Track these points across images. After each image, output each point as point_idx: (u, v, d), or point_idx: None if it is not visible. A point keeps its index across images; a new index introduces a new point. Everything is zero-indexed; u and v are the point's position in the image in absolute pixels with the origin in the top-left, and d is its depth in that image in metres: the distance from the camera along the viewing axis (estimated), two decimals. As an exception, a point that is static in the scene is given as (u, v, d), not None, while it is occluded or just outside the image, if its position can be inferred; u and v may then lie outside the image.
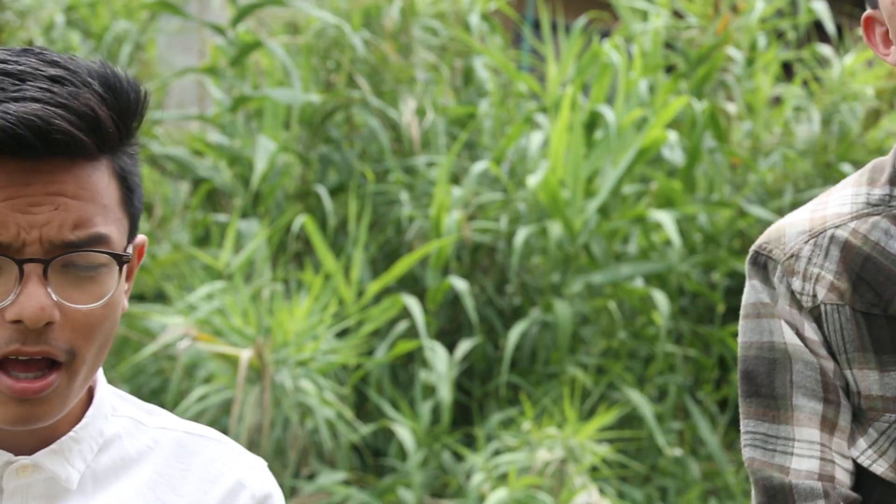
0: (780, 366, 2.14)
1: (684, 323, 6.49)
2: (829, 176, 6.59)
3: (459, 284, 5.99)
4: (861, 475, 2.16)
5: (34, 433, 1.83)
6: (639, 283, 6.40)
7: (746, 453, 2.14)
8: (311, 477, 5.44)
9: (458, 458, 5.59)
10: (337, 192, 6.58)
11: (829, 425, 2.13)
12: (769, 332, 2.16)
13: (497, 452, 5.43)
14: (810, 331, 2.11)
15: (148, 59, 6.95)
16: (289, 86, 6.66)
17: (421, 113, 6.79)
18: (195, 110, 7.30)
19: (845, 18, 7.72)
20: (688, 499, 6.04)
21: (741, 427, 2.14)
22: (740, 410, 2.16)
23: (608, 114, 6.68)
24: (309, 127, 6.73)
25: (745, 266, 2.16)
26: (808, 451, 2.12)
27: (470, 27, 7.13)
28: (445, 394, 5.61)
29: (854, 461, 2.14)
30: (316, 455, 5.49)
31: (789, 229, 2.17)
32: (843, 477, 2.12)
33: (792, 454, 2.12)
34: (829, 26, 7.59)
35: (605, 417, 5.42)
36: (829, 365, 2.13)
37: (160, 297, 6.05)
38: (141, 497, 1.89)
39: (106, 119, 1.72)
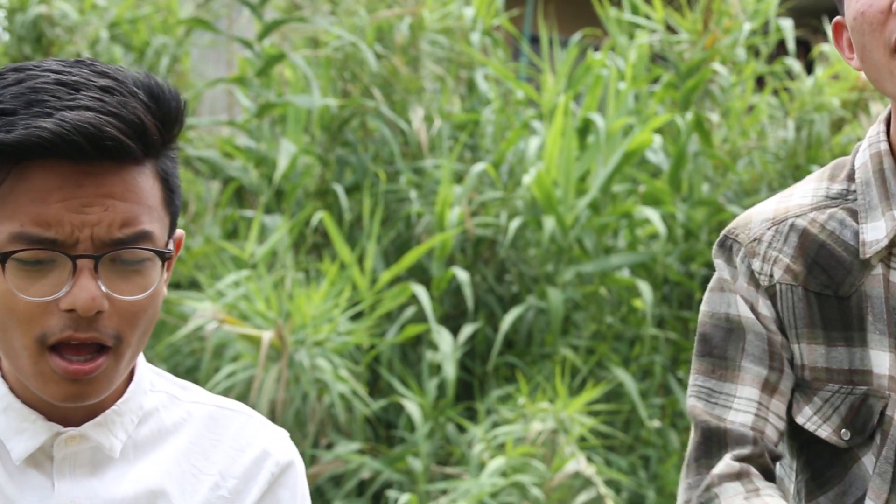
0: (734, 335, 2.13)
1: (666, 308, 6.48)
2: (799, 177, 6.53)
3: (461, 274, 5.96)
4: (808, 442, 2.18)
5: (81, 407, 1.86)
6: (625, 273, 6.38)
7: (690, 402, 2.14)
8: (328, 447, 5.42)
9: (461, 429, 5.56)
10: (352, 190, 6.54)
11: (769, 388, 2.12)
12: (727, 305, 2.16)
13: (496, 424, 5.41)
14: (764, 307, 2.11)
15: (183, 70, 6.93)
16: (309, 94, 6.60)
17: (428, 120, 6.75)
18: (225, 117, 7.28)
19: (811, 34, 7.69)
20: (667, 466, 6.04)
21: (690, 380, 2.14)
22: (692, 367, 2.16)
23: (599, 120, 6.65)
24: (327, 131, 6.70)
25: (714, 248, 2.17)
26: (746, 407, 2.11)
27: (473, 42, 7.10)
28: (450, 372, 5.59)
29: (791, 425, 2.18)
30: (333, 427, 5.48)
31: (756, 217, 2.18)
32: (773, 434, 2.12)
33: (731, 408, 2.11)
34: (791, 45, 7.60)
35: (592, 393, 5.40)
36: (777, 338, 2.12)
37: (193, 285, 6.04)
38: (176, 464, 1.93)
39: (151, 126, 1.76)
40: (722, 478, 2.06)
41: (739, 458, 2.07)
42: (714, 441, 2.11)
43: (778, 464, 2.21)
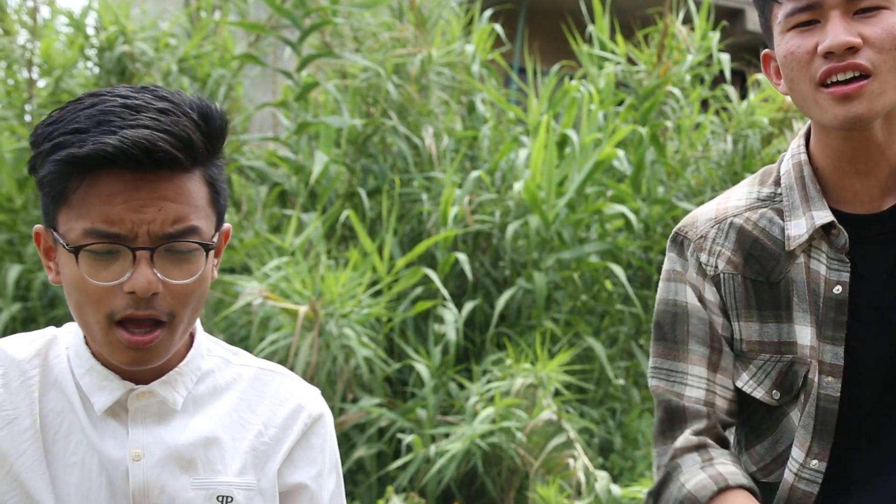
0: (680, 318, 2.17)
1: (630, 288, 6.50)
2: (736, 181, 6.53)
3: (463, 259, 5.99)
4: (745, 401, 2.19)
5: (150, 369, 1.87)
6: (596, 259, 6.40)
7: (652, 382, 2.19)
8: (353, 401, 5.45)
9: (461, 387, 5.58)
10: (373, 193, 6.56)
11: (713, 366, 2.15)
12: (675, 293, 2.19)
13: (488, 382, 5.44)
14: (710, 293, 2.15)
15: (236, 96, 6.95)
16: (339, 115, 6.63)
17: (436, 136, 6.77)
18: (270, 134, 7.29)
19: (745, 66, 7.71)
20: (631, 417, 6.05)
21: (650, 363, 2.18)
22: (650, 349, 2.19)
23: (574, 136, 6.67)
24: (353, 145, 6.71)
25: (667, 243, 2.19)
26: (697, 383, 2.14)
27: (472, 72, 7.11)
28: (452, 339, 5.63)
29: (737, 392, 2.18)
30: (357, 385, 5.50)
31: (701, 216, 2.20)
32: (722, 404, 2.15)
33: (685, 385, 2.14)
34: (728, 74, 7.62)
35: (564, 356, 5.42)
36: (719, 320, 2.15)
37: (245, 270, 6.06)
38: (227, 416, 1.96)
39: (198, 141, 1.78)
40: (683, 450, 2.10)
41: (697, 433, 2.12)
42: (676, 417, 2.15)
43: None
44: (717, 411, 2.12)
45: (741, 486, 2.04)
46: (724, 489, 2.03)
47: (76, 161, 1.71)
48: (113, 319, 1.78)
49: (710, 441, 2.10)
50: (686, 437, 2.10)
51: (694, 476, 2.06)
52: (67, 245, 1.76)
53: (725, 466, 2.07)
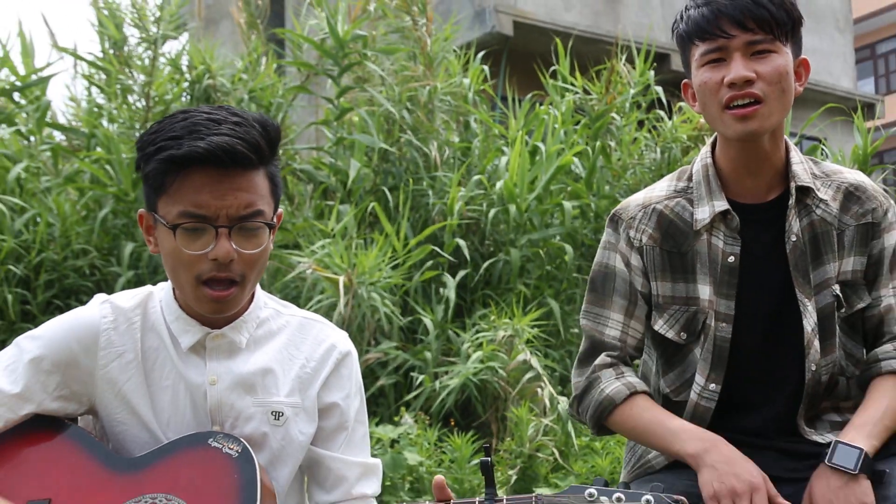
0: (609, 278, 2.19)
1: (583, 261, 6.49)
2: (665, 182, 6.64)
3: (462, 244, 6.00)
4: (661, 340, 2.21)
5: (222, 317, 1.89)
6: (558, 240, 6.40)
7: (583, 321, 2.23)
8: (377, 345, 5.45)
9: (457, 335, 5.59)
10: (392, 189, 6.56)
11: (629, 314, 2.18)
12: (608, 258, 2.22)
13: (477, 332, 5.45)
14: (635, 260, 2.16)
15: (289, 117, 6.98)
16: (368, 133, 6.64)
17: (440, 147, 6.78)
18: (315, 145, 7.30)
19: (670, 96, 7.72)
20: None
21: (583, 307, 2.22)
22: (584, 298, 2.22)
23: (542, 147, 6.67)
24: (378, 154, 6.73)
25: (607, 220, 2.21)
26: (614, 326, 2.16)
27: (468, 99, 7.12)
28: (451, 297, 5.65)
29: (644, 335, 2.21)
30: (380, 333, 5.51)
31: (632, 203, 2.22)
32: (632, 342, 2.19)
33: (607, 326, 2.17)
34: (663, 100, 7.61)
35: (534, 314, 5.44)
36: (639, 280, 2.17)
37: (296, 247, 6.06)
38: (278, 352, 1.97)
39: (264, 146, 1.78)
40: (601, 367, 2.17)
41: (611, 357, 2.17)
42: (597, 347, 2.20)
43: (644, 353, 2.25)
44: (628, 347, 2.17)
45: (645, 392, 2.12)
46: (634, 393, 2.10)
47: (174, 160, 1.75)
48: (200, 280, 1.81)
49: (620, 363, 2.16)
50: (603, 358, 2.16)
51: (611, 384, 2.11)
52: (167, 224, 1.78)
53: (633, 378, 2.14)
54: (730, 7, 2.00)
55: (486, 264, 6.12)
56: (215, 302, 1.82)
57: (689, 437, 1.97)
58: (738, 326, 2.09)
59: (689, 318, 2.11)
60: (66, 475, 1.80)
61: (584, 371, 2.16)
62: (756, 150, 2.08)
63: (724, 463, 1.90)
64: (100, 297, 1.95)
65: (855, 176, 2.19)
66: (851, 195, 2.16)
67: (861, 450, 1.92)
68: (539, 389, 5.04)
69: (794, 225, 2.10)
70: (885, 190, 2.32)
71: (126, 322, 1.91)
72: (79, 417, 1.95)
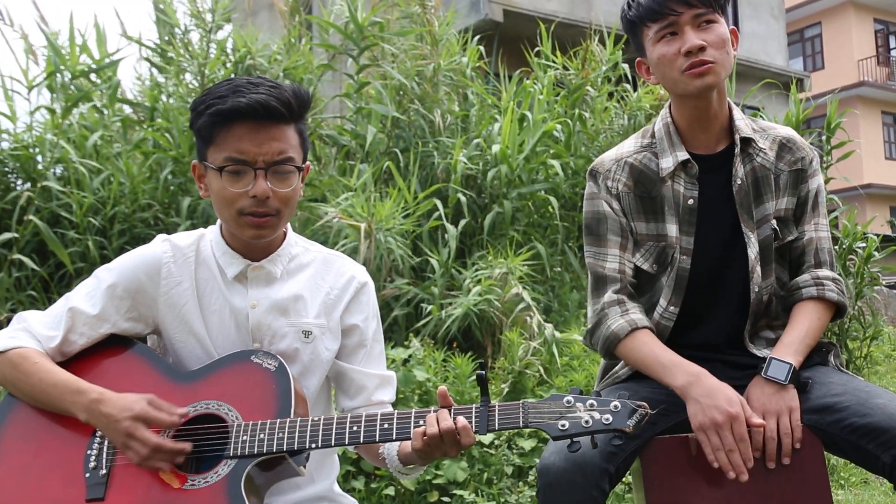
0: (601, 221, 2.16)
1: (563, 211, 6.47)
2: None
3: (463, 201, 5.95)
4: (637, 271, 2.19)
5: (261, 250, 1.88)
6: (543, 193, 6.37)
7: (587, 260, 2.18)
8: (391, 281, 5.44)
9: (459, 272, 5.59)
10: (404, 151, 6.51)
11: (623, 247, 2.15)
12: (596, 205, 2.18)
13: (476, 270, 5.44)
14: (615, 205, 2.14)
15: (316, 90, 6.89)
16: (383, 104, 6.58)
17: (443, 115, 6.72)
18: (339, 114, 7.24)
19: (636, 71, 7.62)
20: (563, 290, 6.06)
21: (585, 250, 2.16)
22: (584, 243, 2.15)
23: (529, 115, 6.59)
24: (391, 121, 6.67)
25: (587, 175, 2.16)
26: (613, 260, 2.13)
27: (466, 75, 7.04)
28: (453, 245, 5.63)
29: (635, 266, 2.18)
30: (395, 271, 5.51)
31: (606, 158, 2.19)
32: (629, 272, 2.16)
33: (606, 261, 2.14)
34: (629, 75, 7.54)
35: (524, 255, 5.41)
36: (624, 220, 2.14)
37: (323, 200, 6.04)
38: (307, 281, 1.97)
39: (294, 104, 1.77)
40: (608, 304, 2.14)
41: (616, 291, 2.12)
42: (600, 281, 2.15)
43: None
44: (626, 276, 2.12)
45: (647, 328, 2.07)
46: (634, 329, 2.05)
47: (221, 113, 1.75)
48: (242, 213, 1.80)
49: (625, 298, 2.11)
50: (609, 295, 2.10)
51: (616, 321, 2.07)
52: (215, 167, 1.79)
53: (637, 314, 2.08)
54: None
55: (484, 214, 6.07)
56: (255, 228, 1.82)
57: (678, 372, 1.94)
58: (696, 257, 2.08)
59: (660, 252, 2.10)
60: (137, 383, 1.81)
61: (596, 305, 2.13)
62: (706, 107, 2.07)
63: (706, 396, 1.87)
64: (161, 237, 1.95)
65: (786, 130, 2.20)
66: (784, 146, 2.16)
67: (790, 364, 1.94)
68: (528, 318, 5.04)
69: (740, 170, 2.10)
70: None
71: (182, 257, 1.90)
72: (146, 337, 1.96)
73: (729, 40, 2.03)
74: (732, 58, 2.04)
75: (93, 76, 6.57)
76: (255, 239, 1.85)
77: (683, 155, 2.08)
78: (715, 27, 2.00)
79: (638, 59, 2.14)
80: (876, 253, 6.16)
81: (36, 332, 1.84)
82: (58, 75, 6.24)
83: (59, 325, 1.84)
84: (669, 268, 2.08)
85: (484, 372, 1.70)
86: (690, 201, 2.07)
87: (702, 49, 1.97)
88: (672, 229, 2.07)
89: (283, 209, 1.82)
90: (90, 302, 1.86)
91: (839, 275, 2.20)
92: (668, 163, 2.09)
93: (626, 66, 7.51)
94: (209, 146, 1.80)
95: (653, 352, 2.01)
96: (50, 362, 1.80)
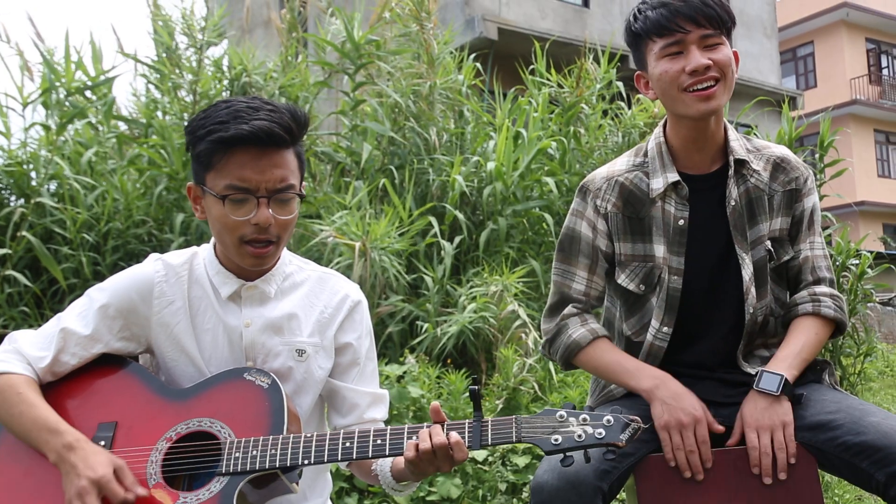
0: (575, 241, 2.16)
1: (558, 228, 6.47)
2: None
3: (461, 218, 5.94)
4: (623, 292, 2.19)
5: (256, 271, 1.88)
6: (537, 210, 6.37)
7: (553, 276, 2.20)
8: (386, 298, 5.43)
9: (455, 289, 5.58)
10: (399, 168, 6.51)
11: (592, 271, 2.16)
12: (575, 224, 2.18)
13: (472, 287, 5.43)
14: (601, 225, 2.13)
15: (313, 107, 6.91)
16: (379, 122, 6.59)
17: (438, 133, 6.73)
18: (334, 131, 7.26)
19: (630, 90, 7.65)
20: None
21: (553, 265, 2.19)
22: (554, 257, 2.17)
23: (524, 133, 6.60)
24: (386, 139, 6.68)
25: (576, 191, 2.16)
26: (580, 281, 2.14)
27: (462, 92, 7.05)
28: (448, 263, 5.62)
29: (605, 288, 2.19)
30: (389, 289, 5.50)
31: (597, 175, 2.17)
32: (594, 294, 2.17)
33: (573, 281, 2.15)
34: (623, 93, 7.56)
35: (520, 272, 5.41)
36: (603, 242, 2.14)
37: (318, 217, 6.04)
38: (302, 300, 1.96)
39: (294, 130, 1.76)
40: (568, 316, 2.16)
41: (576, 307, 2.14)
42: (565, 299, 2.17)
43: (609, 301, 2.23)
44: (591, 299, 2.15)
45: (606, 337, 2.11)
46: (596, 338, 2.09)
47: (223, 140, 1.75)
48: (243, 240, 1.81)
49: (584, 312, 2.15)
50: (570, 309, 2.14)
51: (577, 330, 2.10)
52: (216, 194, 1.78)
53: (596, 325, 2.13)
54: (684, 7, 1.99)
55: (479, 231, 6.07)
56: (256, 258, 1.83)
57: (643, 375, 1.99)
58: (688, 278, 2.07)
59: (647, 272, 2.10)
60: (129, 402, 1.81)
61: (554, 319, 2.15)
62: (704, 128, 2.07)
63: (671, 398, 1.92)
64: (154, 256, 1.95)
65: (781, 150, 2.20)
66: (779, 166, 2.16)
67: (782, 376, 1.94)
68: (523, 335, 5.03)
69: (734, 191, 2.09)
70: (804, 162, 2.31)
71: (175, 276, 1.90)
72: (139, 356, 1.96)
73: (733, 63, 2.03)
74: (734, 82, 2.03)
75: (88, 93, 6.59)
76: (254, 266, 1.86)
77: (674, 176, 2.07)
78: (721, 49, 2.00)
79: (638, 72, 2.13)
80: (869, 270, 6.17)
81: (26, 353, 1.83)
82: (53, 92, 6.25)
83: (49, 345, 1.84)
84: (658, 288, 2.08)
85: (477, 387, 1.71)
86: (681, 222, 2.07)
87: (707, 69, 1.98)
88: (659, 250, 2.07)
89: (283, 234, 1.83)
90: (82, 322, 1.86)
91: (839, 291, 2.22)
92: (658, 184, 2.09)
93: (619, 83, 7.54)
94: (208, 171, 1.79)
95: (615, 358, 2.04)
96: (35, 394, 1.78)
